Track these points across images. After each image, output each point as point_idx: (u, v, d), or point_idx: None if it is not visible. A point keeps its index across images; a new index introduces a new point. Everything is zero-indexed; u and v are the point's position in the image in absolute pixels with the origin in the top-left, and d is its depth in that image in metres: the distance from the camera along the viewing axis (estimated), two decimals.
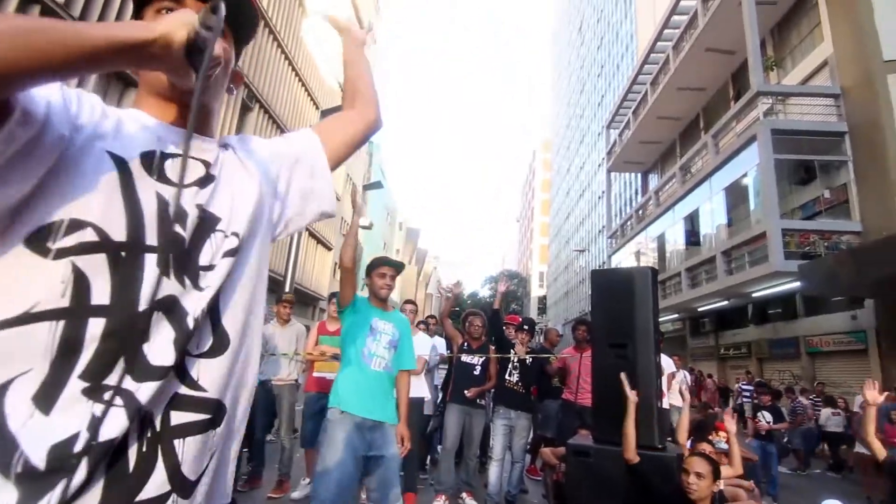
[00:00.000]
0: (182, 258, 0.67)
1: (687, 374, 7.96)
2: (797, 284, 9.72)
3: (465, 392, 4.17)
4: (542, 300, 52.12)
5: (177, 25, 0.59)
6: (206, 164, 0.74)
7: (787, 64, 12.89)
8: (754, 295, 11.96)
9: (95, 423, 0.57)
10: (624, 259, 19.56)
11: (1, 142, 0.52)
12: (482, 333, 4.42)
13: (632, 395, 2.67)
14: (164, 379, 0.63)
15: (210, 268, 0.69)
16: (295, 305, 4.72)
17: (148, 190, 0.65)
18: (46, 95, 0.59)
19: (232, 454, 0.76)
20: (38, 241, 0.58)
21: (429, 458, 5.17)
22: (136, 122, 0.70)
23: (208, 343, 0.69)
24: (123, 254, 0.62)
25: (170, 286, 0.65)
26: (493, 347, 4.32)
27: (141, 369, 0.61)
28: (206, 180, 0.73)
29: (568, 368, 4.94)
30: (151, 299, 0.62)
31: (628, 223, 20.05)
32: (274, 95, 14.38)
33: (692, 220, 14.34)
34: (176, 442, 0.65)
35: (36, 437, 0.55)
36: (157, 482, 0.62)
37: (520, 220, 79.35)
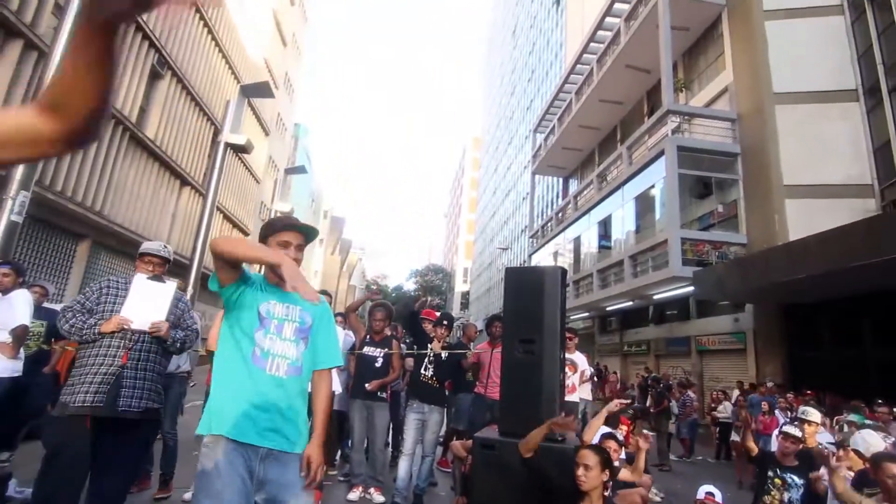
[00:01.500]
0: None
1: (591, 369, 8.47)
2: (691, 289, 10.70)
3: (366, 385, 4.15)
4: (466, 295, 53.15)
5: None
6: None
7: (694, 87, 14.09)
8: (655, 297, 12.99)
9: None
10: (543, 258, 20.41)
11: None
12: (384, 327, 4.42)
13: (560, 420, 2.62)
14: None
15: None
16: (202, 293, 4.39)
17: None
18: None
19: None
20: None
21: (339, 452, 5.06)
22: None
23: None
24: None
25: None
26: (408, 342, 4.32)
27: None
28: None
29: (481, 363, 5.04)
30: None
31: (549, 224, 20.93)
32: (188, 63, 13.24)
33: (605, 225, 15.27)
34: None
35: None
36: None
37: (448, 215, 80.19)
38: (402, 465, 4.00)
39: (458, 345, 5.01)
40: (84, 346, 2.54)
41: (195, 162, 14.24)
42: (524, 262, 27.78)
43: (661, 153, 11.64)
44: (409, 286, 60.60)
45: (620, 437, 3.66)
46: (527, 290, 3.25)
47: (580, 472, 2.33)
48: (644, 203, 13.18)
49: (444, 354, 4.27)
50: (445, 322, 4.40)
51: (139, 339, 2.59)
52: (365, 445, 4.36)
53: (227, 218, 17.29)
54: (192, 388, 5.56)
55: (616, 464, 3.08)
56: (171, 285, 2.81)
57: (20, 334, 3.35)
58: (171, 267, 3.02)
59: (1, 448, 3.68)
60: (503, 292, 3.42)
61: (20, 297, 3.40)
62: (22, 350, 3.45)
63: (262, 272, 1.96)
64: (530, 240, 24.16)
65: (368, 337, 4.40)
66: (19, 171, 4.06)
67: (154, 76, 11.81)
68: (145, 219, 11.91)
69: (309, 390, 1.92)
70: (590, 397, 6.44)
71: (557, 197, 25.00)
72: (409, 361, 4.70)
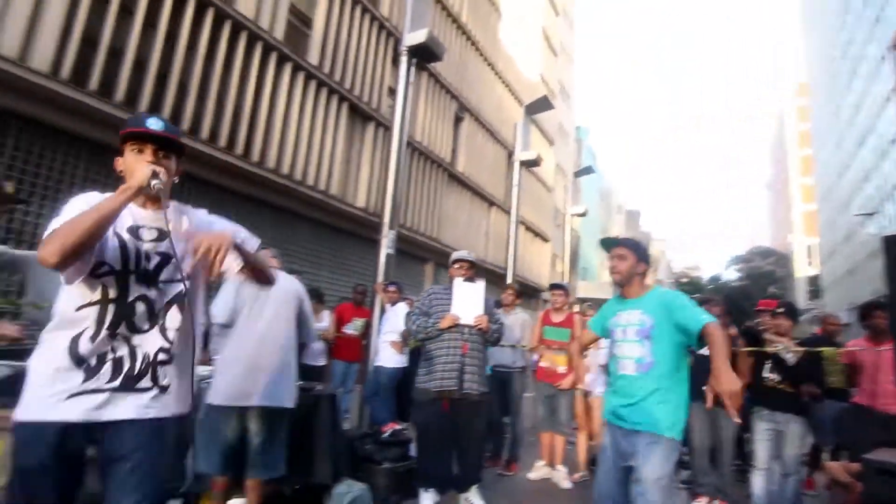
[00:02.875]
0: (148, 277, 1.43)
1: None
2: None
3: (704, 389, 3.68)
4: (814, 281, 42.03)
5: (141, 178, 1.34)
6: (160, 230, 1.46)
7: None
8: None
9: (113, 349, 1.38)
10: None
11: (85, 263, 1.32)
12: (721, 324, 3.84)
13: None
14: (146, 333, 1.41)
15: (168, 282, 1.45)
16: (521, 297, 4.94)
17: (132, 244, 1.41)
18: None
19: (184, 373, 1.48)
20: (92, 273, 1.35)
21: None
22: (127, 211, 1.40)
23: (178, 323, 1.46)
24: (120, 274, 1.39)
25: (142, 289, 1.41)
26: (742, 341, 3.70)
27: (133, 327, 1.40)
28: (161, 237, 1.45)
29: (859, 365, 3.87)
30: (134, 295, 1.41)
31: None
32: (480, 103, 15.28)
33: None
34: (159, 366, 1.42)
35: (90, 353, 1.34)
36: (147, 382, 1.40)
37: (771, 186, 65.78)
38: (757, 482, 3.42)
39: (816, 340, 3.99)
40: (430, 342, 3.24)
41: (496, 184, 16.18)
42: None
43: None
44: (730, 275, 52.00)
45: None
46: None
47: None
48: None
49: (789, 355, 3.47)
50: (782, 309, 3.57)
51: (470, 332, 3.17)
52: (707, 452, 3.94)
53: (528, 229, 18.87)
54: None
55: None
56: (480, 284, 3.32)
57: (405, 336, 4.50)
58: (490, 277, 3.59)
59: (400, 420, 4.96)
60: (884, 271, 2.55)
61: (403, 308, 4.59)
62: (406, 347, 4.62)
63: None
64: None
65: None
66: (387, 215, 5.48)
67: (457, 121, 14.11)
68: (466, 239, 14.19)
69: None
70: None
71: None
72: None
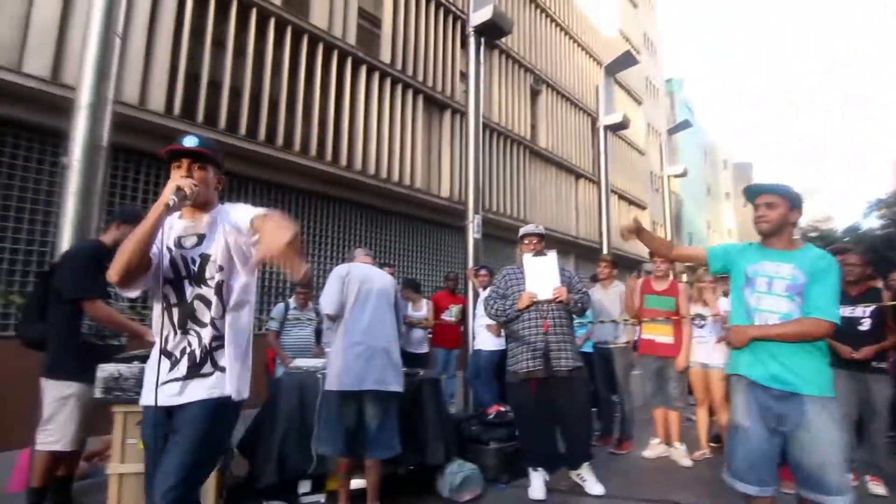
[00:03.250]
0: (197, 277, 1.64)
1: None
2: None
3: (852, 353, 3.23)
4: None
5: (164, 196, 1.50)
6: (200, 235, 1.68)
7: None
8: None
9: (189, 343, 1.62)
10: None
11: (145, 280, 1.61)
12: (861, 275, 3.34)
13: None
14: (207, 326, 1.62)
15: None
16: (616, 268, 4.71)
17: (177, 254, 1.64)
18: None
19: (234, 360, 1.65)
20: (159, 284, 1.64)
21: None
22: (169, 223, 1.63)
23: (221, 311, 1.65)
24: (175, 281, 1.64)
25: (196, 289, 1.63)
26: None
27: (198, 322, 1.63)
28: (200, 240, 1.66)
29: None
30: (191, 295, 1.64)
31: None
32: (556, 70, 14.64)
33: None
34: (215, 352, 1.63)
35: (173, 348, 1.62)
36: (208, 367, 1.62)
37: None
38: None
39: None
40: (512, 323, 3.20)
41: (582, 154, 15.48)
42: None
43: None
44: (871, 223, 44.78)
45: None
46: None
47: None
48: None
49: None
50: None
51: (549, 307, 3.07)
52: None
53: (621, 197, 17.86)
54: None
55: None
56: (552, 256, 3.19)
57: None
58: (583, 251, 3.43)
59: (503, 401, 5.00)
60: None
61: None
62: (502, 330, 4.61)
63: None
64: None
65: (842, 293, 3.48)
66: (471, 200, 5.51)
67: (534, 94, 13.67)
68: (554, 217, 13.78)
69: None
70: None
71: None
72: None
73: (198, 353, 1.61)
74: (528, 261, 3.22)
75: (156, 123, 5.82)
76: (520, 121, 12.67)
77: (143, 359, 2.55)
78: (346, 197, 8.37)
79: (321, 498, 3.03)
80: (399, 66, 9.20)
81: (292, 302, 4.65)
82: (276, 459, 2.87)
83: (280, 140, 7.12)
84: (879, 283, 3.69)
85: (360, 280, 2.83)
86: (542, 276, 3.15)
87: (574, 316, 3.33)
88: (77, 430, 2.53)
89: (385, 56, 9.00)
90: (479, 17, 5.62)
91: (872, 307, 3.27)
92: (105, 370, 2.40)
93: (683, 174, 13.88)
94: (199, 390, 1.59)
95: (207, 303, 1.63)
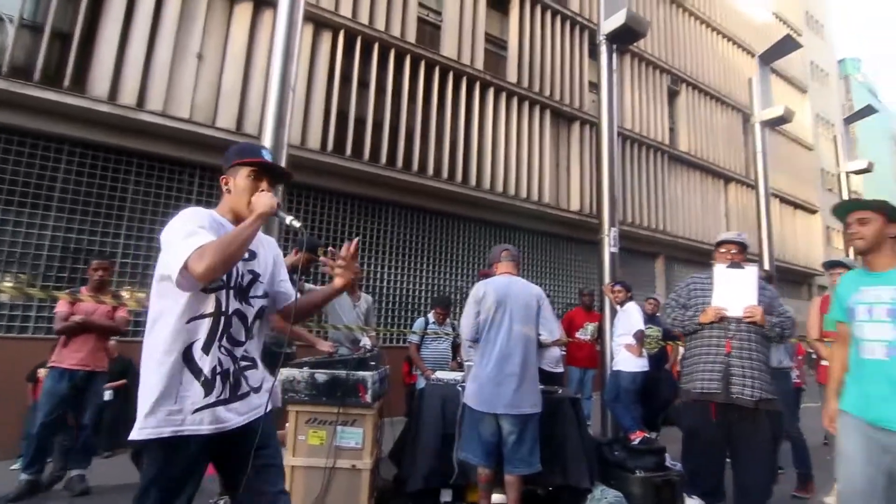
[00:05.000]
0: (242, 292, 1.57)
1: None
2: None
3: None
4: None
5: (270, 204, 1.50)
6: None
7: None
8: None
9: (220, 361, 1.48)
10: None
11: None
12: None
13: None
14: (241, 346, 1.54)
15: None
16: (780, 284, 4.13)
17: None
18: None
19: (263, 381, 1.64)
20: (204, 287, 1.46)
21: None
22: (226, 224, 1.56)
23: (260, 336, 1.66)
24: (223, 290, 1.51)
25: (236, 304, 1.54)
26: None
27: (232, 340, 1.53)
28: (251, 256, 1.62)
29: None
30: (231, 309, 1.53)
31: None
32: (698, 67, 13.42)
33: None
34: (247, 372, 1.56)
35: (205, 365, 1.44)
36: (245, 387, 1.54)
37: None
38: None
39: None
40: (691, 339, 2.87)
41: (732, 155, 13.89)
42: None
43: None
44: None
45: None
46: None
47: None
48: None
49: None
50: None
51: (738, 327, 2.67)
52: None
53: (784, 201, 15.55)
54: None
55: None
56: (751, 270, 2.76)
57: (639, 337, 4.23)
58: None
59: (651, 429, 4.63)
60: None
61: (633, 308, 4.34)
62: (645, 350, 4.32)
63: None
64: None
65: None
66: (605, 213, 5.30)
67: (672, 95, 12.70)
68: (700, 225, 12.51)
69: None
70: None
71: None
72: None
73: (232, 373, 1.50)
74: (720, 272, 2.83)
75: (315, 160, 6.69)
76: (656, 125, 11.85)
77: (314, 364, 2.93)
78: (475, 216, 8.63)
79: None
80: (525, 83, 9.28)
81: (431, 317, 4.92)
82: (420, 466, 3.04)
83: (415, 165, 7.63)
84: None
85: (497, 300, 2.86)
86: (735, 290, 2.75)
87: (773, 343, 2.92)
88: None
89: (511, 76, 9.16)
90: (611, 23, 5.45)
91: None
92: (284, 374, 2.81)
93: (868, 170, 11.60)
94: (242, 412, 1.52)
95: (244, 321, 1.55)
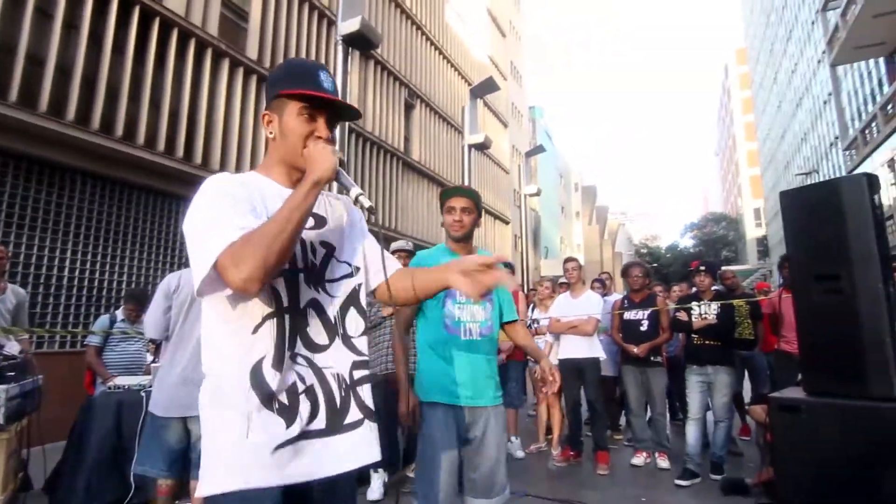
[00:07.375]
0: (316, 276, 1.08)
1: None
2: None
3: (633, 349, 3.94)
4: (762, 241, 44.29)
5: (329, 165, 0.97)
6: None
7: None
8: None
9: (301, 377, 1.01)
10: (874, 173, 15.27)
11: None
12: (643, 285, 4.08)
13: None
14: (327, 350, 1.05)
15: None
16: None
17: None
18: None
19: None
20: None
21: (623, 418, 5.01)
22: (272, 189, 1.07)
23: (361, 328, 1.14)
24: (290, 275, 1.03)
25: (311, 292, 1.06)
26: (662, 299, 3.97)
27: (311, 344, 1.04)
28: (319, 223, 1.13)
29: (780, 314, 4.21)
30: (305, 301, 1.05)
31: (872, 126, 15.57)
32: (431, 88, 15.23)
33: None
34: (359, 388, 1.09)
35: (279, 386, 0.97)
36: (354, 412, 1.06)
37: (719, 152, 68.49)
38: (690, 431, 3.70)
39: (722, 294, 4.28)
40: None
41: (453, 169, 16.25)
42: None
43: None
44: (686, 243, 54.16)
45: None
46: (816, 213, 2.55)
47: None
48: None
49: (708, 308, 3.74)
50: (703, 268, 3.86)
51: None
52: (648, 413, 4.23)
53: (487, 212, 19.07)
54: None
55: None
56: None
57: None
58: None
59: None
60: (783, 224, 2.76)
61: None
62: None
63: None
64: (845, 154, 18.44)
65: (627, 300, 4.21)
66: None
67: (408, 108, 14.03)
68: (426, 228, 14.24)
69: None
70: None
71: (880, 85, 18.32)
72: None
73: (332, 392, 1.04)
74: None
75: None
76: (394, 132, 12.89)
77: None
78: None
79: None
80: (267, 63, 8.78)
81: (120, 314, 4.15)
82: (80, 489, 2.55)
83: (119, 130, 6.33)
84: (657, 290, 4.49)
85: (193, 294, 2.62)
86: None
87: None
88: None
89: (252, 52, 8.53)
90: (347, 26, 5.66)
91: (649, 311, 4.01)
92: None
93: (537, 194, 15.34)
94: (347, 452, 1.04)
95: (324, 315, 1.07)
